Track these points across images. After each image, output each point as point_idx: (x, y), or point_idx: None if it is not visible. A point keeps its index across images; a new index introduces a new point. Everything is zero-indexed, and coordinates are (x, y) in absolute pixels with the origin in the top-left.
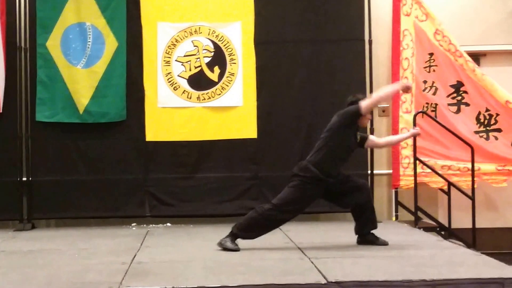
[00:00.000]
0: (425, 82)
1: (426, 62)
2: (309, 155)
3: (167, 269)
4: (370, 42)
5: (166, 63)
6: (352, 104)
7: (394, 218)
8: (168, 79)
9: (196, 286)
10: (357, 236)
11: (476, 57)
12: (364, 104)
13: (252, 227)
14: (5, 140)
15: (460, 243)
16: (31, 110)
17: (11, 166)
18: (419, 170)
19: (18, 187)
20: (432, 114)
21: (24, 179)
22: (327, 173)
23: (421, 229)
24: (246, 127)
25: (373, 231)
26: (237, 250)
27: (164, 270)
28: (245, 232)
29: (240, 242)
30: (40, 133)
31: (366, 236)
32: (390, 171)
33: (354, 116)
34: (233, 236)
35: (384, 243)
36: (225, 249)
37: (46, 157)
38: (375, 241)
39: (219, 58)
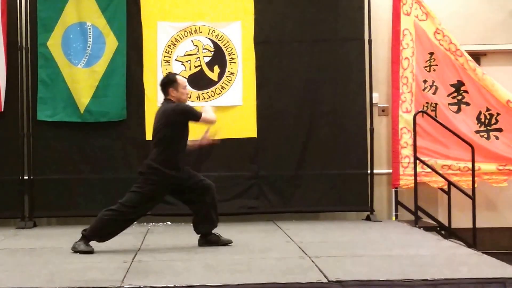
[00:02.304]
0: (425, 81)
1: (426, 61)
2: (151, 153)
3: (168, 267)
4: (370, 41)
5: (166, 62)
6: (162, 86)
7: (394, 218)
8: None
9: (197, 284)
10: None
11: (477, 56)
12: (204, 116)
13: (103, 228)
14: (6, 139)
15: (461, 242)
16: (32, 109)
17: (13, 164)
18: (419, 169)
19: (20, 186)
20: (432, 113)
21: (26, 177)
22: (173, 167)
23: (421, 228)
24: (246, 127)
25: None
26: (91, 252)
27: (165, 269)
28: (97, 233)
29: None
30: (41, 132)
31: (207, 236)
32: (390, 170)
33: (193, 119)
34: (86, 238)
35: (228, 242)
36: (79, 252)
37: (47, 156)
38: (218, 241)
39: (219, 58)
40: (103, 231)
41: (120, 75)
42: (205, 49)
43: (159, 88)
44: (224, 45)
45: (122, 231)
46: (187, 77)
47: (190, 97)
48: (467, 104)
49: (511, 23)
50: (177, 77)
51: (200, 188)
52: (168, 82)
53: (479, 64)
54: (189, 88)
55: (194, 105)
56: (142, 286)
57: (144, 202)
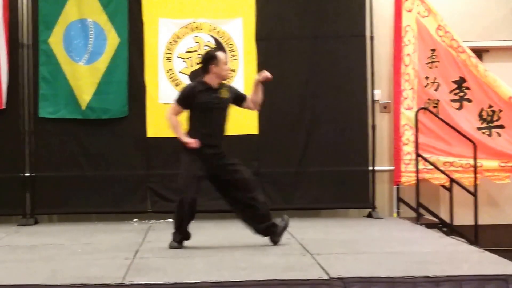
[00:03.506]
0: (427, 78)
1: (428, 58)
2: None
3: (169, 264)
4: (372, 38)
5: (167, 59)
6: (203, 63)
7: (395, 215)
8: (169, 75)
9: (198, 281)
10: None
11: (479, 53)
12: (169, 113)
13: (180, 221)
14: (8, 136)
15: (462, 239)
16: (33, 106)
17: (14, 161)
18: (421, 166)
19: (21, 183)
20: (434, 110)
21: (27, 174)
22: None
23: (423, 225)
24: (248, 123)
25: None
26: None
27: (166, 265)
28: (180, 229)
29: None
30: (42, 129)
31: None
32: (392, 167)
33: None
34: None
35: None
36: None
37: (49, 153)
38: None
39: None
40: (182, 223)
41: (122, 72)
42: (206, 45)
43: (160, 84)
44: (225, 41)
45: (193, 218)
46: (188, 74)
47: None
48: (469, 100)
49: None
50: (218, 53)
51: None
52: (209, 58)
53: (481, 61)
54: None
55: None
56: (143, 283)
57: (189, 180)
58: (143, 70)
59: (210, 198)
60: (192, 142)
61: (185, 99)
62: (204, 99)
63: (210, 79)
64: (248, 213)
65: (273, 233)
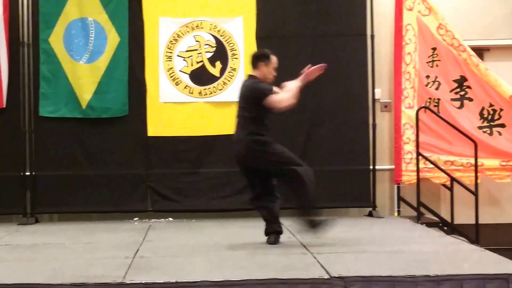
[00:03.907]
0: (428, 77)
1: (429, 57)
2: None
3: (169, 263)
4: (372, 37)
5: (168, 58)
6: (254, 59)
7: (396, 214)
8: (170, 74)
9: (198, 280)
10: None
11: (480, 51)
12: (273, 101)
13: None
14: (8, 135)
15: (463, 238)
16: (34, 105)
17: (14, 160)
18: (421, 165)
19: (22, 182)
20: (435, 109)
21: (28, 173)
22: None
23: (424, 224)
24: None
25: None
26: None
27: (167, 264)
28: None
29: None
30: (43, 128)
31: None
32: (393, 166)
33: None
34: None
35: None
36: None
37: (49, 152)
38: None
39: (221, 53)
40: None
41: (122, 71)
42: (207, 44)
43: (161, 83)
44: (226, 40)
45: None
46: (189, 73)
47: (192, 93)
48: (470, 99)
49: None
50: (272, 56)
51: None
52: (262, 56)
53: (482, 60)
54: (191, 84)
55: (196, 100)
56: (144, 282)
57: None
58: (143, 69)
59: (211, 197)
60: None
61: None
62: None
63: (258, 75)
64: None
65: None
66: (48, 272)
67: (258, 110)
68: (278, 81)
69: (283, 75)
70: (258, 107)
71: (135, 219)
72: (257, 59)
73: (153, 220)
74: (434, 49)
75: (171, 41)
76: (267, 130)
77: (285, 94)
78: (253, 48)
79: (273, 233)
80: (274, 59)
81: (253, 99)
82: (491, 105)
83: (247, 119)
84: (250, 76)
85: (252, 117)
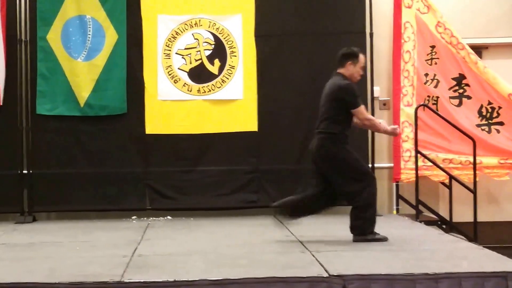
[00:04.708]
0: (426, 75)
1: (427, 54)
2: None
3: (168, 262)
4: (371, 35)
5: (166, 56)
6: (342, 57)
7: (395, 212)
8: (168, 72)
9: (197, 279)
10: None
11: (478, 49)
12: (361, 110)
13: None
14: (5, 133)
15: (462, 236)
16: (31, 103)
17: (12, 159)
18: (420, 163)
19: (19, 180)
20: (434, 107)
21: (25, 172)
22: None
23: (422, 222)
24: (247, 120)
25: None
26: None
27: (165, 263)
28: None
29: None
30: (40, 126)
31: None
32: (391, 164)
33: (349, 105)
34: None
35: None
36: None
37: (47, 150)
38: None
39: (219, 51)
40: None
41: (120, 68)
42: (205, 42)
43: (159, 81)
44: (224, 38)
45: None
46: (187, 70)
47: (190, 91)
48: (469, 97)
49: None
50: (361, 55)
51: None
52: (351, 55)
53: (480, 58)
54: (189, 81)
55: (194, 98)
56: (142, 280)
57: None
58: (141, 67)
59: (209, 195)
60: (397, 128)
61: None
62: None
63: (346, 74)
64: None
65: None
66: (46, 271)
67: (342, 112)
68: (279, 78)
69: (281, 72)
70: (341, 109)
71: (134, 217)
72: (345, 58)
73: (151, 218)
74: (433, 47)
75: (169, 38)
76: (345, 134)
77: (370, 116)
78: (252, 46)
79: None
80: (362, 58)
81: (341, 100)
82: (489, 103)
83: (328, 118)
84: (338, 74)
85: (334, 114)
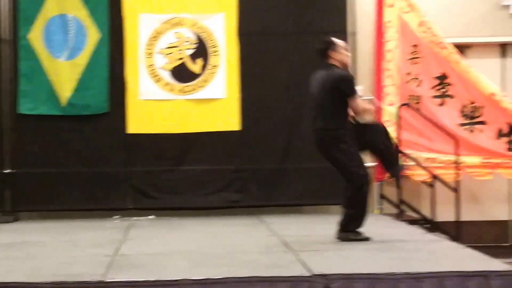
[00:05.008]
0: (409, 74)
1: (410, 54)
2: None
3: (150, 261)
4: (354, 34)
5: (148, 55)
6: (321, 51)
7: (378, 211)
8: (150, 71)
9: (180, 278)
10: None
11: (461, 49)
12: (359, 104)
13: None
14: None
15: (444, 236)
16: (13, 102)
17: None
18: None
19: (1, 180)
20: (416, 106)
21: (7, 171)
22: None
23: (405, 222)
24: (230, 120)
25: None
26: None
27: (147, 263)
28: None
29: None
30: (22, 126)
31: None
32: (374, 163)
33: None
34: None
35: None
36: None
37: (29, 150)
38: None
39: (201, 50)
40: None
41: (102, 67)
42: (187, 41)
43: (141, 80)
44: (207, 37)
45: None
46: (169, 70)
47: (173, 90)
48: (451, 97)
49: (495, 15)
50: (333, 38)
51: None
52: (327, 45)
53: (463, 57)
54: (171, 81)
55: (176, 98)
56: (124, 280)
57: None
58: (123, 66)
59: (192, 195)
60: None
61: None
62: None
63: (337, 64)
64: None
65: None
66: (28, 270)
67: (340, 101)
68: (262, 78)
69: (264, 71)
70: (341, 98)
71: (116, 217)
72: (324, 51)
73: (134, 218)
74: (415, 46)
75: (151, 37)
76: (344, 124)
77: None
78: (235, 45)
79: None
80: (338, 41)
81: (338, 89)
82: (472, 102)
83: (327, 110)
84: (331, 65)
85: (332, 103)
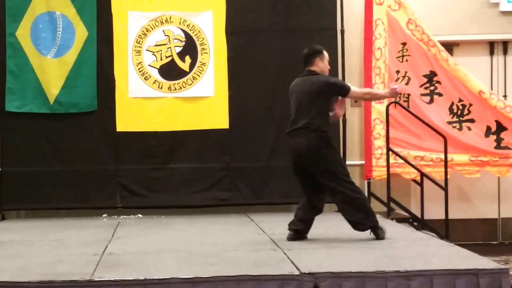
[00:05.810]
0: (398, 72)
1: (399, 52)
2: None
3: (138, 260)
4: (342, 31)
5: (137, 52)
6: (309, 55)
7: None
8: (139, 69)
9: (168, 277)
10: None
11: (449, 47)
12: (354, 90)
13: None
14: None
15: (433, 234)
16: (0, 100)
17: None
18: (392, 160)
19: None
20: (405, 104)
21: None
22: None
23: (394, 220)
24: (218, 118)
25: None
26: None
27: (135, 261)
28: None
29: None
30: (9, 124)
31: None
32: (363, 161)
33: (342, 92)
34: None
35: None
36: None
37: (16, 148)
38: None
39: (190, 48)
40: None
41: (91, 65)
42: (176, 39)
43: (130, 78)
44: (195, 35)
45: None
46: (158, 67)
47: (161, 88)
48: (440, 95)
49: (484, 13)
50: (324, 50)
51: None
52: (316, 52)
53: (451, 55)
54: (160, 78)
55: (165, 95)
56: (112, 279)
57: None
58: (112, 64)
59: (180, 193)
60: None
61: None
62: None
63: (318, 70)
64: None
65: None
66: (15, 269)
67: (327, 105)
68: (250, 76)
69: (253, 70)
70: (328, 102)
71: (104, 215)
72: (313, 55)
73: (122, 216)
74: (404, 44)
75: (140, 35)
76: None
77: (366, 89)
78: (223, 43)
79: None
80: (326, 53)
81: (331, 92)
82: (460, 100)
83: (314, 114)
84: (311, 72)
85: (319, 112)
